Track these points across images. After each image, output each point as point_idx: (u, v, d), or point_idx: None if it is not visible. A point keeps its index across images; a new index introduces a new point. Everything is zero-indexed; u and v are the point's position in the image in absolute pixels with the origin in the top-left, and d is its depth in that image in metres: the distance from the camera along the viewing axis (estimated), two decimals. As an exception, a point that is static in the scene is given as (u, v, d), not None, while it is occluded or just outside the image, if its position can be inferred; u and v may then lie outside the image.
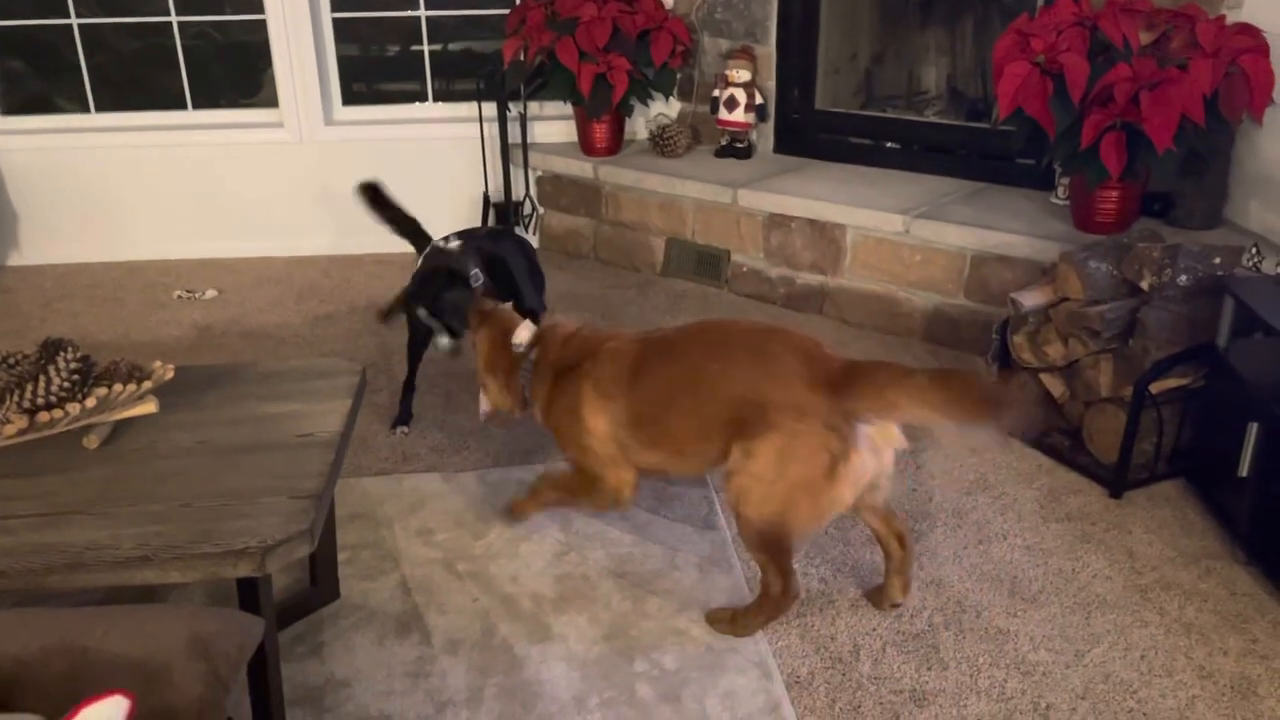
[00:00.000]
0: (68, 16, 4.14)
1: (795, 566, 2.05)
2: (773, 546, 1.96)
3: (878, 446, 1.94)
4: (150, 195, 4.21)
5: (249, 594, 1.58)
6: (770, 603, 2.02)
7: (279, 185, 4.21)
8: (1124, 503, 2.48)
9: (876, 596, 2.15)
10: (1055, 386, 2.67)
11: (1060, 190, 3.28)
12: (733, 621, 2.06)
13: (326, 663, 1.97)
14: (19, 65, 4.28)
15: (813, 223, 3.50)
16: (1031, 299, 2.68)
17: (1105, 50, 2.85)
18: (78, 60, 4.20)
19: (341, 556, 2.26)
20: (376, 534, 2.38)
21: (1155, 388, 2.42)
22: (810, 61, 3.89)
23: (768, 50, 3.91)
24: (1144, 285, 2.51)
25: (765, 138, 4.05)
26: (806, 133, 3.96)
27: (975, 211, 3.29)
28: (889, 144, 3.81)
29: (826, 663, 1.99)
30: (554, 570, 2.24)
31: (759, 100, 3.91)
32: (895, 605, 2.13)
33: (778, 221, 3.59)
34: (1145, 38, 2.82)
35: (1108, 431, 2.53)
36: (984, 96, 3.84)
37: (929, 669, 1.97)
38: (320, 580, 2.12)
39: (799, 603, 2.11)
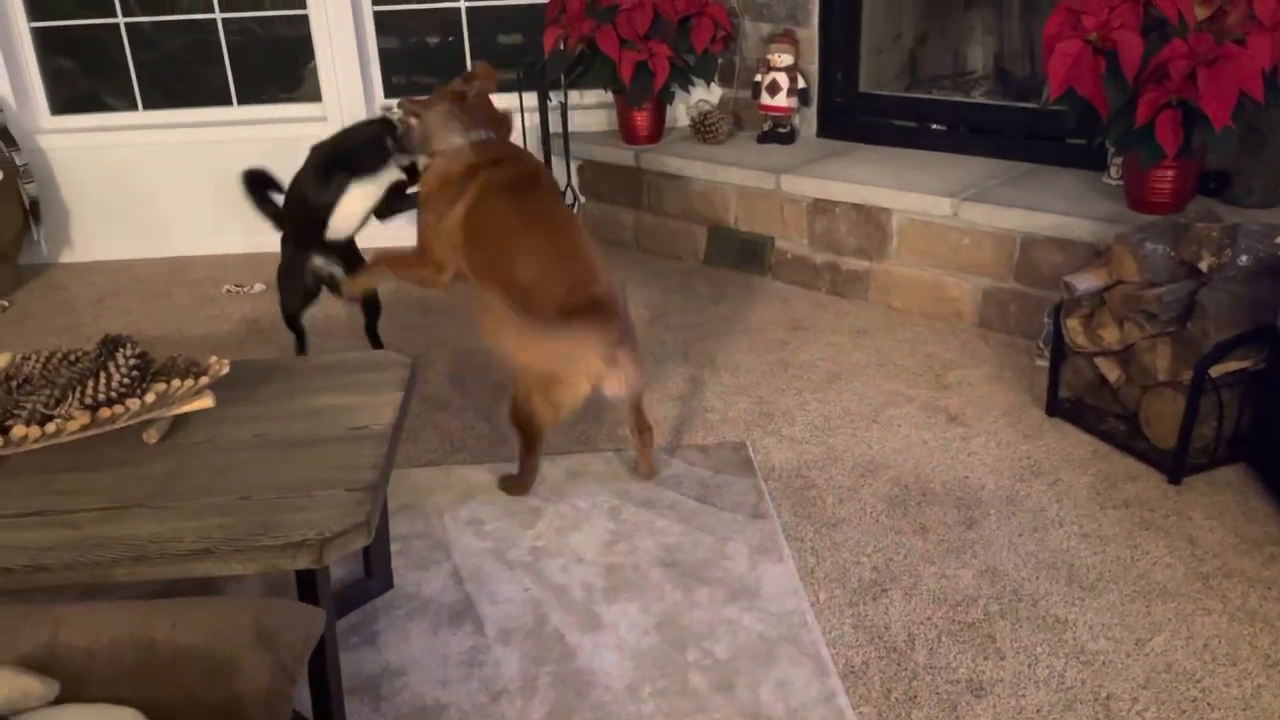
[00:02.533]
0: (114, 15, 4.20)
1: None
2: (521, 420, 2.39)
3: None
4: (198, 190, 4.26)
5: (308, 585, 1.60)
6: (524, 470, 2.46)
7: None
8: (1183, 488, 2.44)
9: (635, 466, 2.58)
10: (1111, 371, 2.62)
11: (1113, 170, 3.22)
12: (515, 483, 2.48)
13: (382, 652, 1.99)
14: (67, 64, 4.35)
15: (858, 207, 3.46)
16: (1085, 282, 2.63)
17: (1159, 26, 2.78)
18: (124, 58, 4.26)
19: (394, 547, 2.28)
20: (427, 524, 2.40)
21: (1215, 371, 2.37)
22: (853, 44, 3.84)
23: (810, 33, 3.87)
24: (1202, 266, 2.45)
25: (808, 122, 4.01)
26: (850, 116, 3.92)
27: (1025, 193, 3.23)
28: (935, 126, 3.76)
29: (881, 652, 1.97)
30: (604, 559, 2.25)
31: (801, 84, 3.87)
32: (645, 477, 2.55)
33: (822, 207, 3.55)
34: (1201, 12, 2.74)
35: (1166, 416, 2.48)
36: (1032, 75, 3.77)
37: (986, 658, 1.95)
38: (375, 570, 2.14)
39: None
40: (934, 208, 3.28)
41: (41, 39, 4.18)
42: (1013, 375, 3.00)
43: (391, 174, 2.91)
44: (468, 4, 4.26)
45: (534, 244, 2.36)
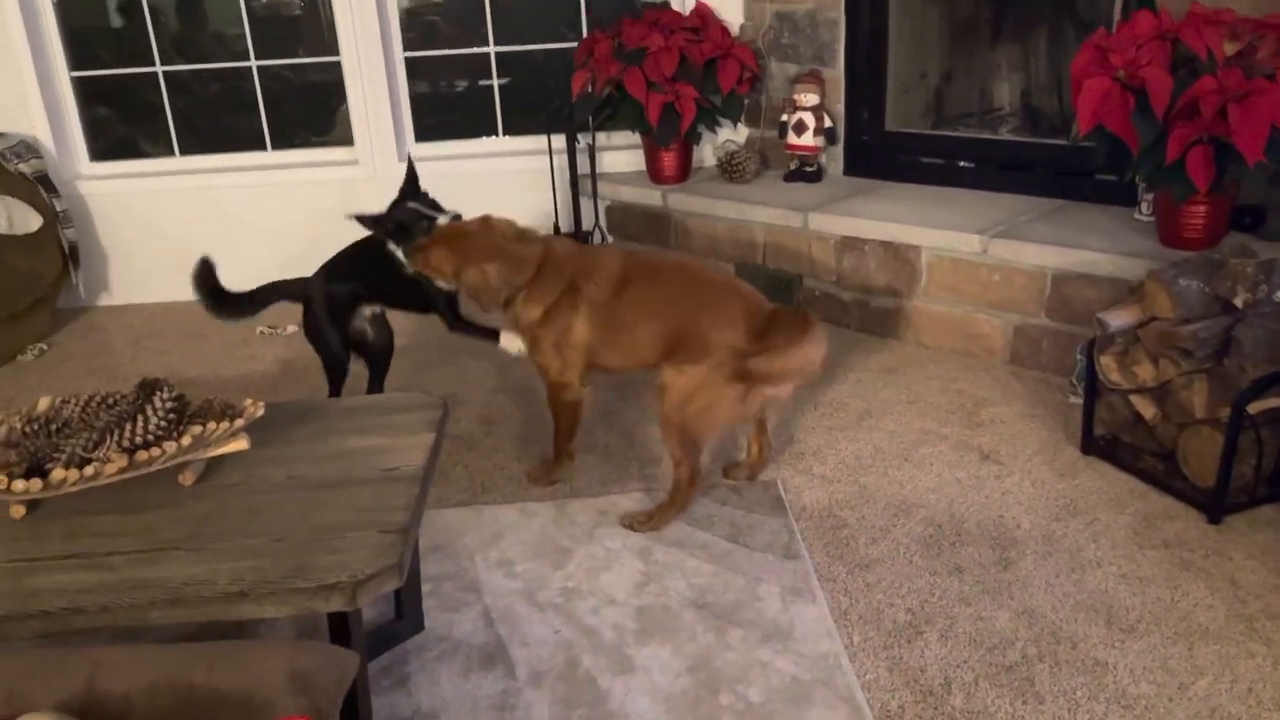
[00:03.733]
0: (153, 64, 4.30)
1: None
2: (690, 441, 2.43)
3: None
4: (232, 234, 4.33)
5: (340, 627, 1.60)
6: (681, 494, 2.48)
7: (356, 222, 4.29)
8: (1223, 528, 2.39)
9: (733, 470, 2.72)
10: (1146, 408, 2.59)
11: (1144, 206, 3.20)
12: (650, 519, 2.48)
13: (413, 695, 1.98)
14: (106, 112, 4.45)
15: (886, 245, 3.46)
16: (1118, 318, 2.60)
17: (1188, 63, 2.78)
18: (162, 105, 4.36)
19: (425, 588, 2.28)
20: (458, 565, 2.40)
21: (1253, 408, 2.33)
22: (879, 82, 3.86)
23: (835, 73, 3.89)
24: (1237, 302, 2.42)
25: (835, 161, 4.03)
26: (877, 154, 3.93)
27: (1055, 229, 3.22)
28: (962, 163, 3.76)
29: (917, 696, 1.94)
30: (635, 601, 2.23)
31: (827, 123, 3.89)
32: (732, 480, 2.69)
33: (850, 244, 3.55)
34: (1230, 49, 2.74)
35: (1204, 454, 2.44)
36: (1060, 112, 3.77)
37: (1024, 702, 1.91)
38: (406, 612, 2.14)
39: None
40: (963, 244, 3.28)
41: (81, 87, 4.29)
42: (1046, 413, 2.97)
43: None
44: (497, 49, 4.32)
45: (680, 301, 2.44)
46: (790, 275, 3.75)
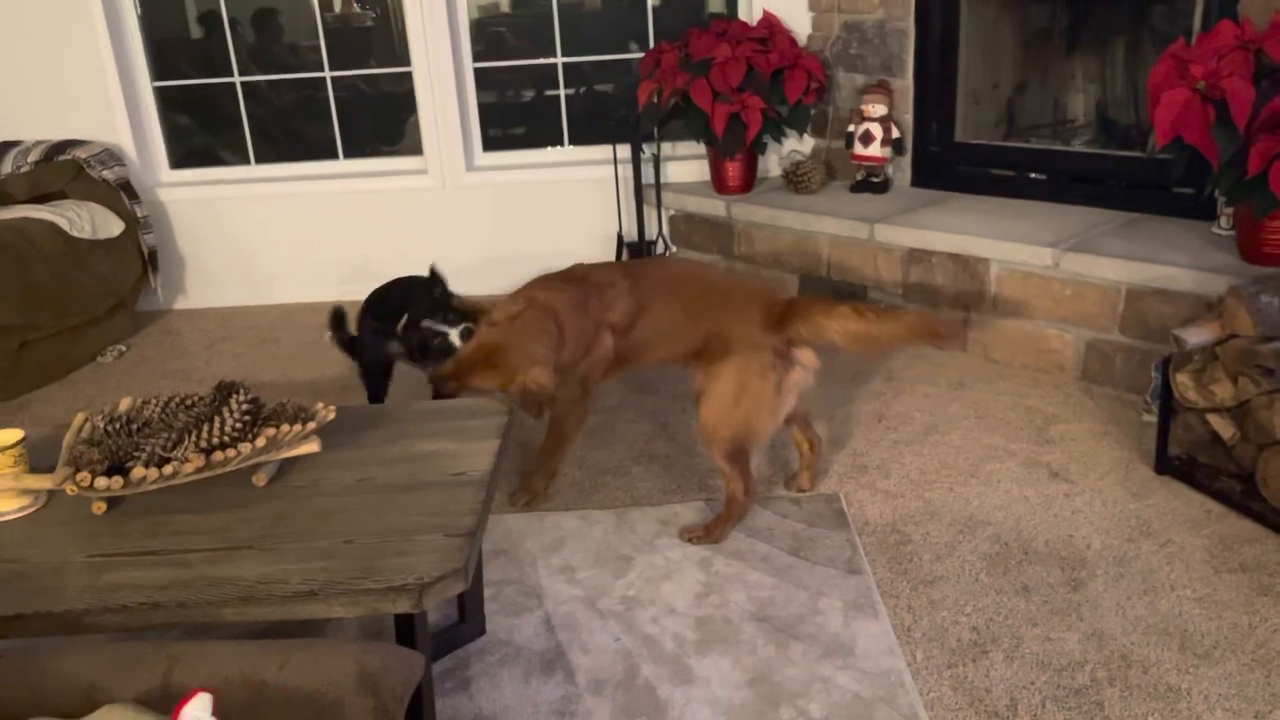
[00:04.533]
0: (231, 74, 4.42)
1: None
2: (737, 451, 2.41)
3: (806, 366, 2.45)
4: (304, 241, 4.43)
5: (406, 629, 1.62)
6: (737, 506, 2.46)
7: (423, 230, 4.37)
8: (1306, 553, 2.31)
9: (794, 481, 2.70)
10: (1224, 428, 2.51)
11: (1223, 220, 3.11)
12: (708, 533, 2.47)
13: (475, 698, 2.00)
14: (186, 121, 4.59)
15: (954, 257, 3.41)
16: (1196, 335, 2.53)
17: (1271, 74, 2.70)
18: (239, 115, 4.48)
19: (487, 592, 2.30)
20: (520, 570, 2.41)
21: (1339, 430, 2.25)
22: (949, 93, 3.82)
23: (904, 83, 3.86)
24: (1323, 320, 2.34)
25: (902, 172, 3.99)
26: (946, 165, 3.88)
27: (1130, 243, 3.15)
28: (1034, 175, 3.70)
29: (981, 717, 1.91)
30: (695, 611, 2.23)
31: (895, 134, 3.86)
32: (801, 490, 2.67)
33: (917, 257, 3.51)
34: (1317, 58, 2.66)
35: (1285, 476, 2.36)
36: (1136, 124, 3.69)
37: (1094, 727, 1.87)
38: (468, 616, 2.16)
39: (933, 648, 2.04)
40: (1034, 258, 3.22)
41: (162, 97, 4.42)
42: (1119, 431, 2.90)
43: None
44: (564, 60, 4.37)
45: (694, 307, 2.46)
46: (855, 287, 3.72)
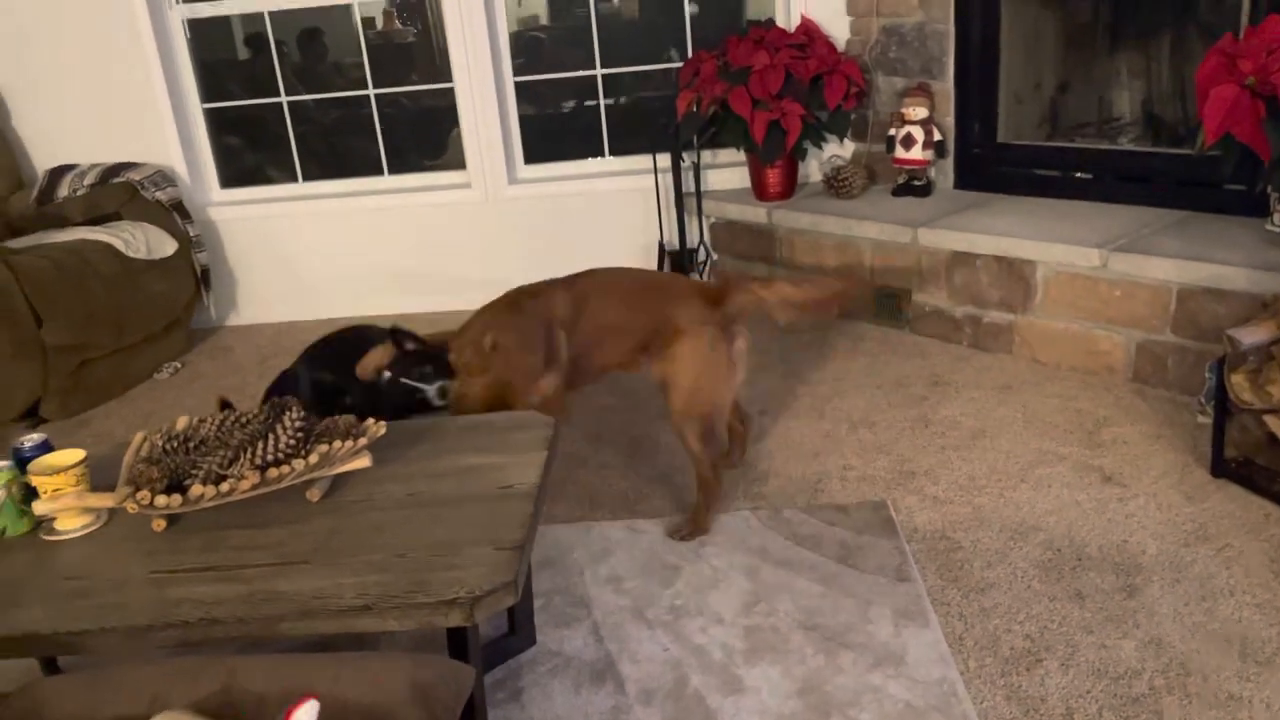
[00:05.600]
0: (277, 94, 4.51)
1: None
2: (708, 431, 2.50)
3: (744, 338, 2.57)
4: (351, 256, 4.50)
5: (458, 642, 1.65)
6: (710, 486, 2.56)
7: (467, 243, 4.42)
8: (1370, 557, 2.26)
9: (725, 459, 2.77)
10: (1282, 429, 2.46)
11: (1276, 217, 3.05)
12: (693, 523, 2.56)
13: (527, 708, 2.02)
14: (234, 141, 4.68)
15: (999, 259, 3.38)
16: (1251, 335, 2.49)
17: (1325, 66, 2.65)
18: (286, 134, 4.56)
19: (536, 603, 2.32)
20: (568, 581, 2.43)
21: (1403, 430, 2.20)
22: (991, 94, 3.78)
23: (945, 86, 3.83)
24: (1384, 317, 2.29)
25: (944, 174, 3.96)
26: (989, 167, 3.85)
27: (1181, 242, 3.09)
28: (1079, 175, 3.65)
29: (1037, 726, 1.88)
30: (743, 620, 2.23)
31: (937, 137, 3.83)
32: (732, 467, 2.80)
33: (961, 259, 3.48)
34: (1372, 49, 2.60)
35: (1347, 478, 2.31)
36: (1184, 121, 3.63)
37: (1152, 737, 1.84)
38: (518, 627, 2.18)
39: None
40: (1081, 259, 3.18)
41: (212, 118, 4.52)
42: (1172, 433, 2.85)
43: None
44: (604, 71, 4.39)
45: (635, 300, 2.58)
46: (898, 291, 3.70)
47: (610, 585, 2.40)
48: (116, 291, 3.78)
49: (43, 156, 4.41)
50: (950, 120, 3.86)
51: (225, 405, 3.05)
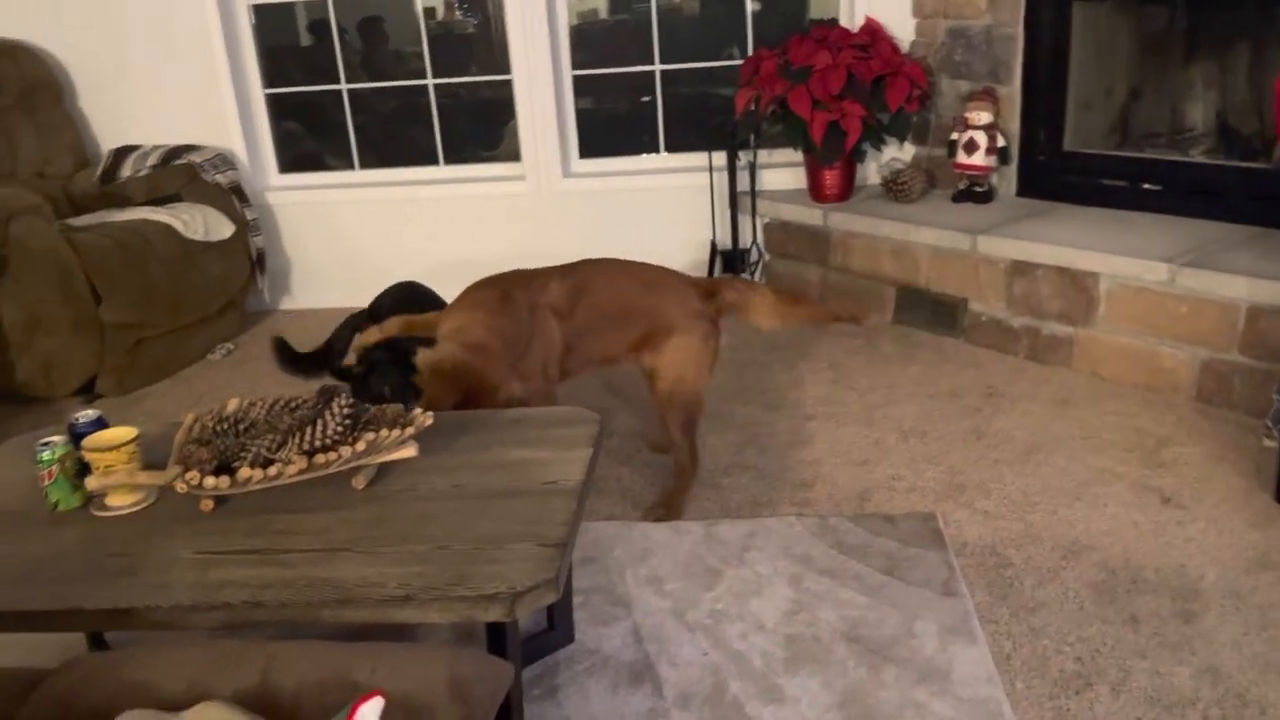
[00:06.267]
0: (337, 81, 4.54)
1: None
2: (691, 422, 2.62)
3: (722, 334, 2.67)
4: (404, 245, 4.53)
5: (497, 637, 1.63)
6: (687, 475, 2.67)
7: (520, 235, 4.42)
8: None
9: (658, 444, 2.92)
10: (1355, 457, 2.37)
11: (1355, 235, 2.94)
12: (667, 507, 2.64)
13: (563, 707, 2.00)
14: (294, 126, 4.73)
15: (1061, 270, 3.30)
16: (1325, 358, 2.40)
17: None
18: (345, 121, 4.59)
19: (575, 600, 2.30)
20: (609, 579, 2.41)
21: None
22: (1059, 100, 3.69)
23: (1011, 90, 3.75)
24: None
25: (1007, 181, 3.87)
26: (1053, 175, 3.76)
27: (1252, 259, 2.99)
28: (1147, 186, 3.55)
29: (1086, 753, 1.83)
30: (785, 628, 2.19)
31: (1001, 142, 3.75)
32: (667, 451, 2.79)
33: (1022, 269, 3.40)
34: None
35: None
36: (1260, 133, 3.51)
37: (1207, 771, 1.77)
38: (557, 623, 2.17)
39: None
40: (1148, 272, 3.09)
41: (273, 104, 4.57)
42: (1236, 456, 2.76)
43: None
44: (663, 67, 4.36)
45: (635, 285, 2.63)
46: (954, 299, 3.63)
47: (651, 586, 2.37)
48: (174, 272, 3.83)
49: (107, 136, 4.48)
50: (1015, 126, 3.77)
51: (281, 346, 3.21)
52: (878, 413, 3.18)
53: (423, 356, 2.40)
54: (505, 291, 2.55)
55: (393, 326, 2.60)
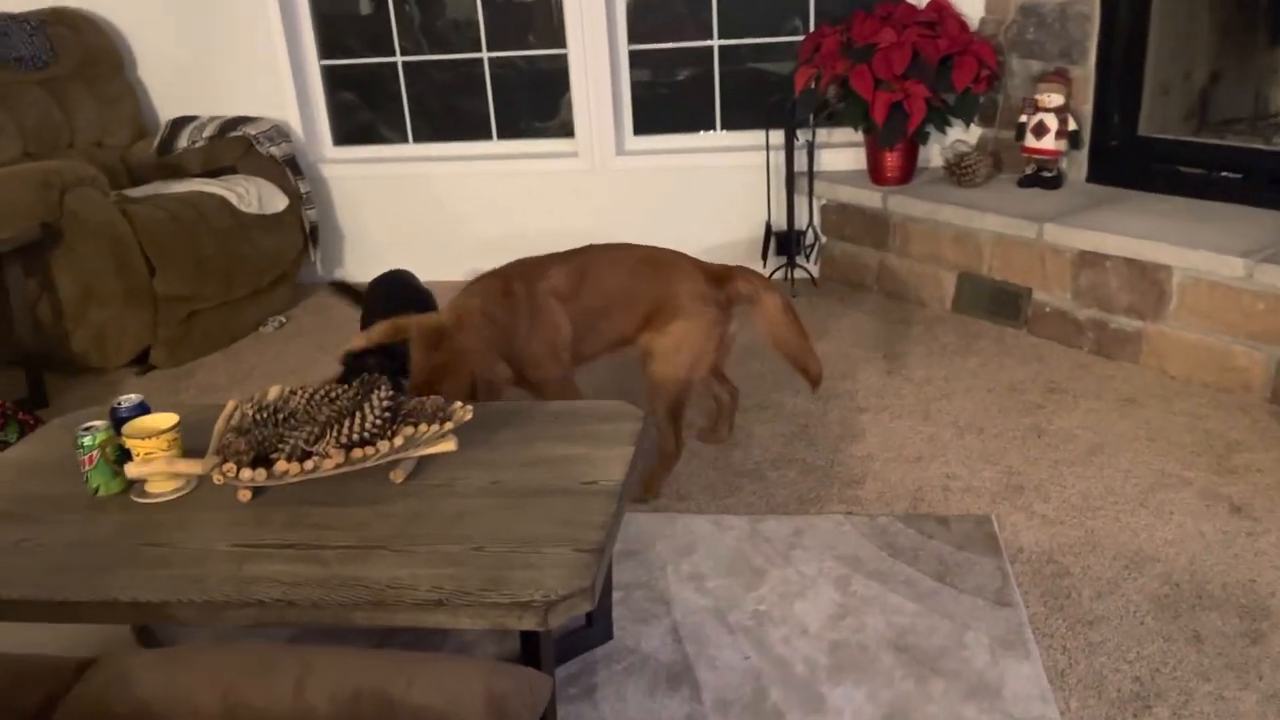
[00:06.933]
0: (393, 53, 4.51)
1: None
2: (677, 405, 2.58)
3: (735, 321, 2.65)
4: (457, 219, 4.50)
5: (531, 645, 1.60)
6: (669, 459, 2.66)
7: (573, 212, 4.37)
8: None
9: (708, 435, 2.92)
10: None
11: None
12: (646, 489, 2.64)
13: (599, 707, 1.97)
14: (350, 98, 4.70)
15: (1131, 262, 3.16)
16: None
17: None
18: (399, 94, 4.56)
19: (615, 595, 2.26)
20: (649, 574, 2.37)
21: None
22: (1135, 83, 3.53)
23: (1084, 72, 3.59)
24: None
25: (1077, 166, 3.72)
26: (1127, 161, 3.60)
27: (1338, 256, 2.84)
28: (1227, 174, 3.38)
29: (1142, 780, 1.75)
30: (829, 634, 2.13)
31: (1072, 126, 3.60)
32: (720, 441, 2.88)
33: (1089, 259, 3.27)
34: None
35: None
36: (1352, 121, 3.33)
37: (1273, 806, 1.69)
38: (595, 620, 2.13)
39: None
40: (1223, 267, 2.94)
41: (329, 74, 4.54)
42: (1313, 464, 2.63)
43: None
44: (720, 43, 4.26)
45: (643, 266, 2.59)
46: (1017, 289, 3.51)
47: (692, 583, 2.33)
48: (227, 244, 3.85)
49: (164, 105, 4.51)
50: (1088, 109, 3.62)
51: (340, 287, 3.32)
52: (934, 406, 3.09)
53: (412, 319, 2.52)
54: (506, 282, 2.55)
55: (378, 333, 2.56)
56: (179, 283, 3.65)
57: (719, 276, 2.58)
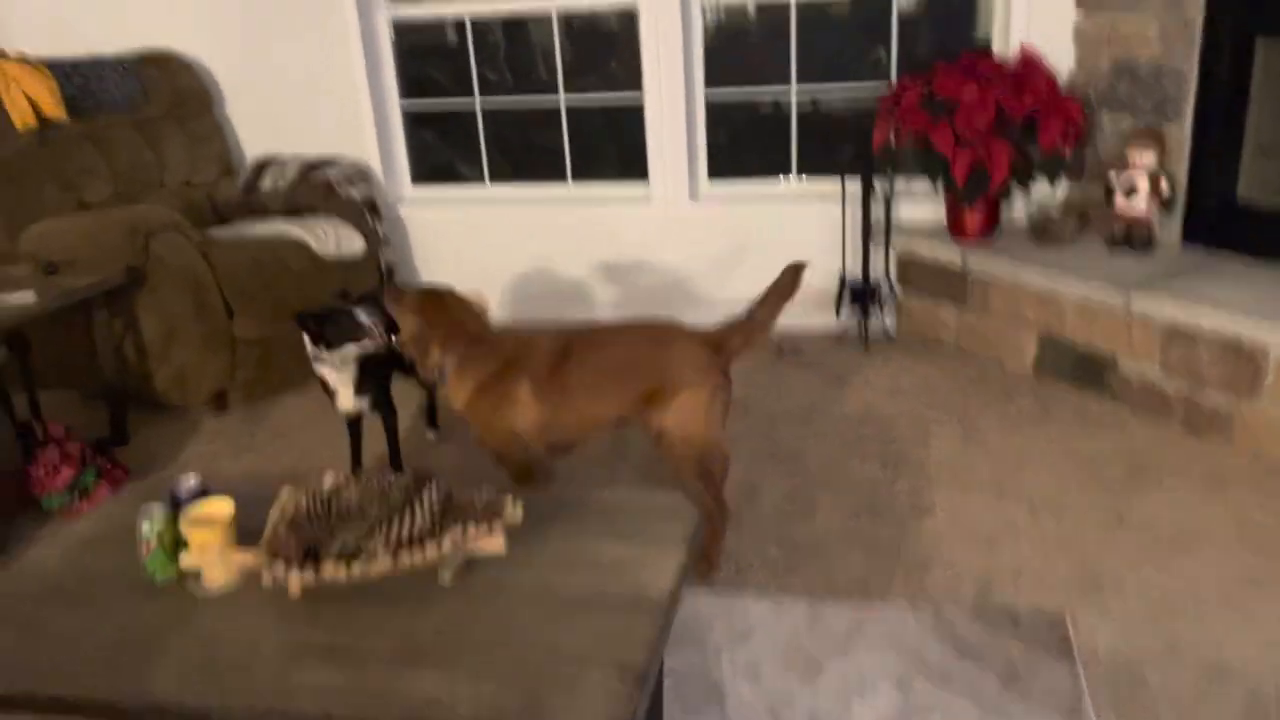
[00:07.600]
0: (471, 94, 4.54)
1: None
2: (704, 467, 2.52)
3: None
4: (531, 261, 4.51)
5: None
6: (716, 519, 2.57)
7: (645, 258, 4.35)
8: None
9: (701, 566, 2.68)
10: None
11: None
12: (709, 563, 2.60)
13: (643, 812, 1.92)
14: (429, 137, 4.76)
15: (1225, 338, 3.00)
16: None
17: None
18: (477, 134, 4.60)
19: (667, 682, 2.22)
20: (704, 661, 2.32)
21: None
22: (1234, 143, 3.36)
23: (1179, 131, 3.43)
24: None
25: (1170, 229, 3.56)
26: (1223, 225, 3.43)
27: None
28: (1333, 244, 3.20)
29: None
30: (887, 739, 2.05)
31: (1164, 187, 3.44)
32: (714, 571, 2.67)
33: (1179, 332, 3.12)
34: None
35: None
36: None
37: None
38: (648, 712, 2.08)
39: None
40: (1326, 349, 2.78)
41: (409, 115, 4.60)
42: None
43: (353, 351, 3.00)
44: (799, 87, 4.19)
45: (635, 352, 2.56)
46: (1102, 356, 3.36)
47: (747, 674, 2.27)
48: (305, 287, 3.91)
49: (249, 142, 4.62)
50: (1182, 170, 3.46)
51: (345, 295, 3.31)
52: (1008, 481, 2.97)
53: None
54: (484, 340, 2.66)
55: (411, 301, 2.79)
56: (256, 326, 3.73)
57: (716, 343, 2.55)
